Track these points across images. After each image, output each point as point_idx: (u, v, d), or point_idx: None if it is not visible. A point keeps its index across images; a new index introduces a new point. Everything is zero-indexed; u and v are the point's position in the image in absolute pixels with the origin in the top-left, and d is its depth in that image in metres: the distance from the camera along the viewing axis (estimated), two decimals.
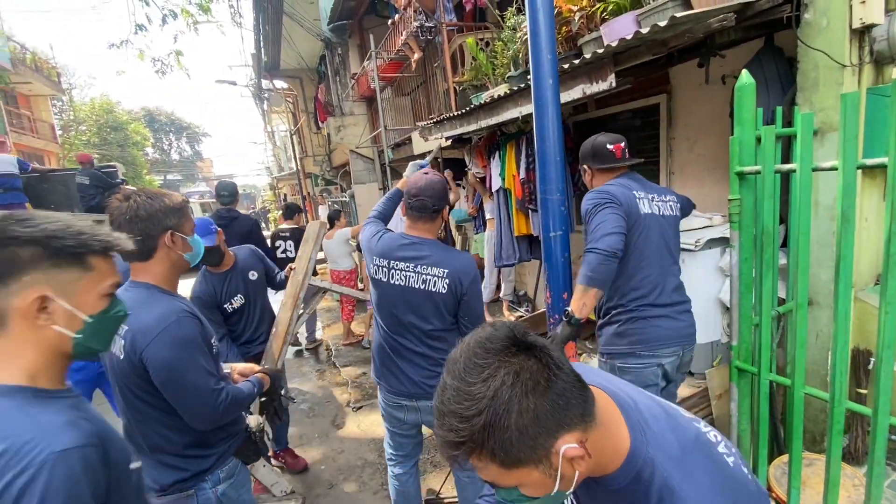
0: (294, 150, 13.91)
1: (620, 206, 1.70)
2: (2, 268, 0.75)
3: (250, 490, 1.54)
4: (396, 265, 1.73)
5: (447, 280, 1.67)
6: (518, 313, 4.97)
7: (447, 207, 1.78)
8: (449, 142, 4.76)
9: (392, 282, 1.73)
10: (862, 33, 1.79)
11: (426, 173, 1.79)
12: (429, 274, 1.67)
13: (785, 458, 1.82)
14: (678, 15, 1.72)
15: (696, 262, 2.36)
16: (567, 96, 2.48)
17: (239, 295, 2.51)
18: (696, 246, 2.33)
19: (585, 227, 1.78)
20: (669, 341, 1.81)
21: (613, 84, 2.17)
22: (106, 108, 27.43)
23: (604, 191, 1.77)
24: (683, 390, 2.33)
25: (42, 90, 20.49)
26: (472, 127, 3.63)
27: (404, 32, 5.00)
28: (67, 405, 0.81)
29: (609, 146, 1.90)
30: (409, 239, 1.75)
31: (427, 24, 4.66)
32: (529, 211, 3.53)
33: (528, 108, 2.97)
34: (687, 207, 2.07)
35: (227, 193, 4.24)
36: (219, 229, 2.37)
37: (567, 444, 0.62)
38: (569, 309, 1.71)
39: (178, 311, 1.29)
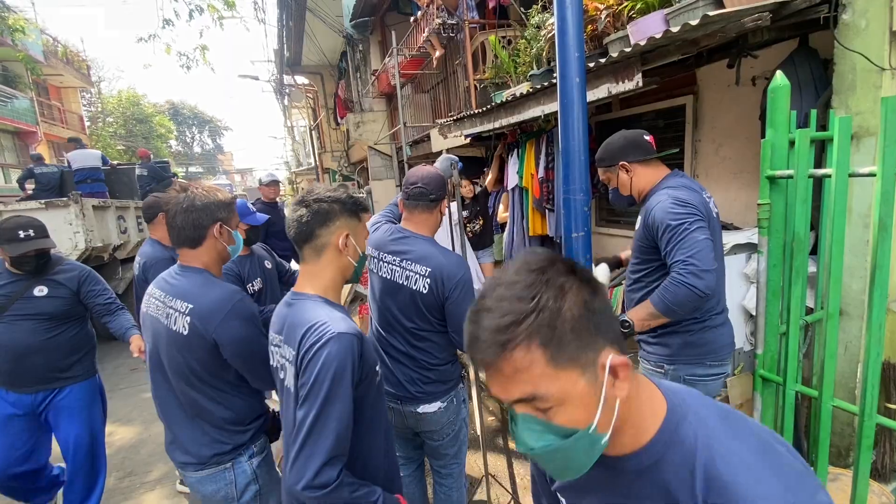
0: (313, 146, 14.05)
1: (706, 221, 1.55)
2: (328, 216, 1.16)
3: (275, 466, 1.65)
4: (385, 258, 1.71)
5: (428, 280, 1.61)
6: None
7: (444, 199, 1.75)
8: (468, 140, 4.75)
9: (380, 274, 1.71)
10: None
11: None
12: (411, 271, 1.64)
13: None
14: (711, 14, 1.68)
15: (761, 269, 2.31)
16: (592, 95, 2.46)
17: (259, 279, 2.61)
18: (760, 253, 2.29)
19: (661, 237, 1.59)
20: (730, 348, 1.76)
21: (640, 84, 2.13)
22: (132, 100, 28.10)
23: (685, 201, 1.57)
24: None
25: (72, 82, 21.09)
26: (493, 125, 3.61)
27: (427, 29, 5.00)
28: (344, 312, 1.17)
29: (645, 136, 1.79)
30: (401, 232, 1.72)
31: (450, 22, 4.65)
32: (546, 210, 3.50)
33: (550, 107, 2.95)
34: None
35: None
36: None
37: (614, 356, 0.58)
38: (630, 321, 1.63)
39: (236, 291, 1.42)
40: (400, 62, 5.88)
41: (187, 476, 1.48)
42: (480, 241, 4.20)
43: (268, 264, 2.72)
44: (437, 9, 4.75)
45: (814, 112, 1.66)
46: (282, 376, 1.16)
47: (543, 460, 0.62)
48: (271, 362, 1.25)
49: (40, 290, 2.19)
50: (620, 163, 1.81)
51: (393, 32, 5.68)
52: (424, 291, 1.62)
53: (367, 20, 7.75)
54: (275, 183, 4.61)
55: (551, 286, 0.56)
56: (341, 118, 10.63)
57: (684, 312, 1.56)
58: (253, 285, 2.59)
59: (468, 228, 4.15)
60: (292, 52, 11.54)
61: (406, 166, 6.63)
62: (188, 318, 1.35)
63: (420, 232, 1.72)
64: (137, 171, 7.02)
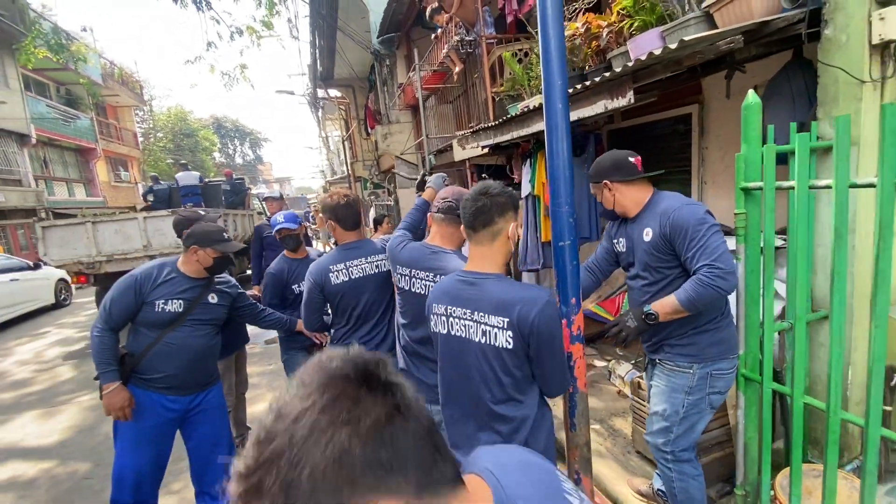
0: (345, 155, 14.58)
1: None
2: (504, 207, 1.41)
3: None
4: (418, 274, 1.87)
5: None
6: None
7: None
8: (486, 150, 4.94)
9: (413, 290, 1.87)
10: (884, 48, 1.79)
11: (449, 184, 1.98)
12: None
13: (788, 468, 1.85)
14: (686, 38, 1.81)
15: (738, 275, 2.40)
16: (591, 111, 2.59)
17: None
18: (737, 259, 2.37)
19: (681, 240, 1.71)
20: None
21: (632, 100, 2.26)
22: (180, 116, 29.92)
23: (705, 209, 1.73)
24: None
25: (127, 101, 22.73)
26: (506, 137, 3.78)
27: (446, 46, 5.23)
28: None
29: (630, 158, 1.92)
30: (431, 248, 1.88)
31: (467, 38, 4.86)
32: None
33: None
34: None
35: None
36: (303, 223, 2.98)
37: None
38: (654, 312, 1.75)
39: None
40: (423, 76, 6.14)
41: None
42: None
43: None
44: (456, 26, 4.98)
45: (793, 125, 1.75)
46: (480, 339, 1.38)
47: None
48: (441, 329, 1.48)
49: (212, 298, 2.30)
50: (604, 181, 1.96)
51: (417, 48, 5.95)
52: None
53: (393, 36, 8.09)
54: (278, 199, 4.95)
55: (302, 423, 0.43)
56: (371, 129, 11.05)
57: (703, 308, 1.71)
58: (299, 285, 2.89)
59: None
60: (325, 67, 12.09)
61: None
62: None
63: (447, 246, 1.87)
64: (223, 187, 8.85)
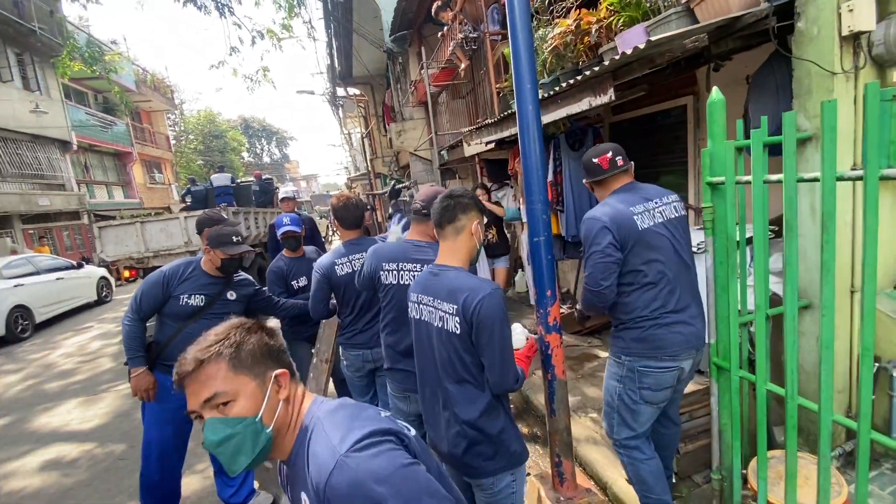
0: (365, 152, 14.84)
1: (610, 232, 1.80)
2: (466, 207, 1.55)
3: None
4: (405, 266, 2.02)
5: None
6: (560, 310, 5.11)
7: None
8: (491, 145, 5.01)
9: (402, 283, 2.01)
10: (854, 39, 1.80)
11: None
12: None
13: (771, 452, 1.90)
14: (665, 35, 1.87)
15: (698, 264, 2.42)
16: (577, 107, 2.66)
17: (303, 277, 3.15)
18: (697, 249, 2.40)
19: (584, 250, 1.91)
20: (687, 346, 1.87)
21: (613, 97, 2.32)
22: (209, 118, 30.92)
23: (596, 217, 1.86)
24: (688, 387, 2.41)
25: (159, 106, 23.69)
26: (505, 133, 3.86)
27: (452, 43, 5.31)
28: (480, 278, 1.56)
29: (594, 159, 1.97)
30: (413, 243, 2.04)
31: (471, 36, 4.93)
32: (558, 212, 3.69)
33: (550, 116, 3.16)
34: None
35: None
36: (303, 226, 3.25)
37: (278, 371, 0.89)
38: (578, 309, 1.95)
39: None
40: (432, 73, 6.24)
41: None
42: (496, 249, 4.39)
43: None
44: (460, 24, 5.05)
45: (764, 119, 1.78)
46: (438, 324, 1.52)
47: (221, 451, 0.84)
48: (415, 314, 1.63)
49: (231, 295, 2.49)
50: (585, 181, 2.09)
51: (423, 48, 6.05)
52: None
53: (405, 34, 8.20)
54: (291, 199, 5.21)
55: (241, 330, 0.90)
56: (388, 125, 11.24)
57: (595, 308, 1.95)
58: (298, 282, 3.17)
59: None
60: (342, 67, 12.34)
61: (441, 171, 7.00)
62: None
63: (423, 239, 2.05)
64: (253, 187, 9.58)
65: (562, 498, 2.10)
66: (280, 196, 5.35)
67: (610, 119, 4.12)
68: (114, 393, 4.90)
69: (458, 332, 1.46)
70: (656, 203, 1.90)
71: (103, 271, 10.77)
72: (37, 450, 3.76)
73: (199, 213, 7.07)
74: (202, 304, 2.40)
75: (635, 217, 1.84)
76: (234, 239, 2.41)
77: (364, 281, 2.18)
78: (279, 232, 3.18)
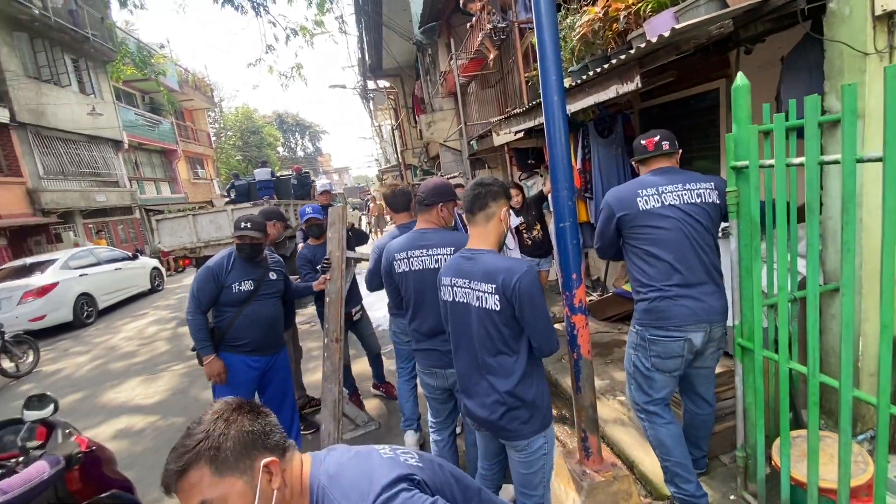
0: (395, 144, 15.06)
1: (611, 208, 2.08)
2: (496, 195, 1.66)
3: None
4: (413, 254, 2.16)
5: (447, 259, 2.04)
6: (590, 298, 5.13)
7: (441, 203, 2.15)
8: (521, 134, 5.06)
9: (413, 269, 2.16)
10: (889, 18, 1.77)
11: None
12: (438, 254, 2.10)
13: (798, 432, 1.93)
14: (679, 26, 1.90)
15: (724, 249, 2.43)
16: (604, 95, 2.69)
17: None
18: (721, 234, 2.41)
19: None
20: (695, 319, 1.95)
21: (639, 85, 2.35)
22: (246, 114, 31.99)
23: (606, 199, 2.12)
24: (717, 369, 2.43)
25: (200, 105, 24.72)
26: (534, 122, 3.91)
27: (480, 34, 5.36)
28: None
29: (642, 141, 2.12)
30: (420, 231, 2.19)
31: (500, 25, 4.97)
32: (587, 199, 3.73)
33: (578, 105, 3.20)
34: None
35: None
36: (314, 217, 3.54)
37: (267, 459, 0.82)
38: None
39: None
40: (461, 64, 6.30)
41: None
42: (540, 249, 4.20)
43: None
44: (489, 14, 5.09)
45: (793, 102, 1.80)
46: (476, 303, 1.64)
47: None
48: (448, 297, 1.74)
49: (272, 275, 2.78)
50: (632, 160, 2.21)
51: (452, 39, 6.11)
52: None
53: (434, 25, 8.26)
54: (328, 192, 5.50)
55: (220, 423, 0.82)
56: (418, 116, 11.38)
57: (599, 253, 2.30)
58: (321, 267, 3.42)
59: (525, 237, 4.09)
60: (373, 60, 12.53)
61: (471, 161, 7.08)
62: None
63: (429, 226, 2.19)
64: (292, 180, 10.00)
65: (587, 471, 2.20)
66: (318, 190, 5.63)
67: (639, 105, 4.08)
68: (171, 372, 5.33)
69: (497, 308, 1.58)
70: (675, 187, 1.98)
71: (155, 262, 11.52)
72: (108, 420, 4.18)
73: (246, 205, 7.64)
74: (252, 288, 2.66)
75: (639, 199, 2.00)
76: (243, 225, 2.63)
77: (385, 276, 2.33)
78: (303, 220, 3.44)
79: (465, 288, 1.68)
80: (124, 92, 18.47)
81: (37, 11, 12.23)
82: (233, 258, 2.67)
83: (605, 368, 3.69)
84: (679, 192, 2.00)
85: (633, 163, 2.26)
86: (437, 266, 2.09)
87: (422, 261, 2.13)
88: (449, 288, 1.76)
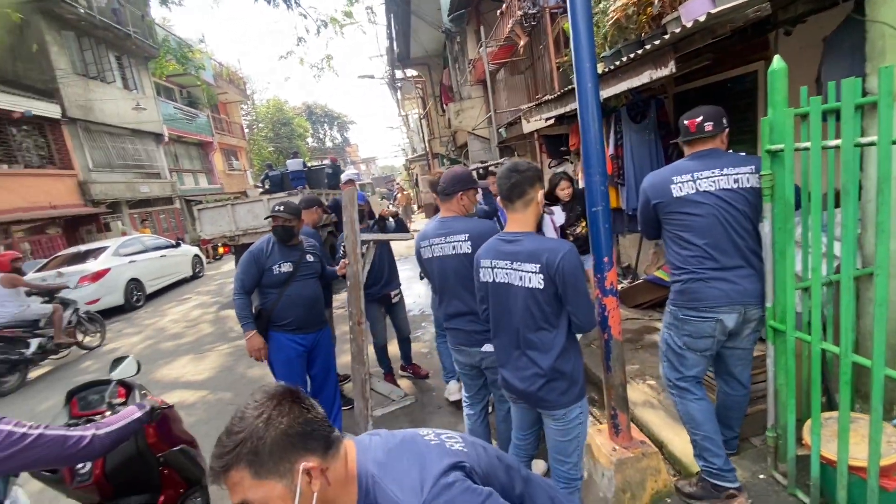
0: (423, 133, 15.13)
1: (646, 194, 2.14)
2: (532, 180, 1.72)
3: None
4: (433, 241, 2.27)
5: (469, 242, 2.14)
6: (621, 284, 5.14)
7: (461, 191, 2.25)
8: (551, 121, 5.06)
9: (434, 255, 2.27)
10: None
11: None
12: (455, 240, 2.20)
13: (829, 413, 1.95)
14: (713, 11, 1.90)
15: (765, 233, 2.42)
16: (638, 81, 2.71)
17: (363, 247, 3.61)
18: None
19: None
20: (725, 300, 1.98)
21: (674, 70, 2.36)
22: (277, 106, 32.66)
23: (643, 186, 2.17)
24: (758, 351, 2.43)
25: (234, 98, 25.40)
26: (565, 109, 3.92)
27: (510, 20, 5.36)
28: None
29: (685, 121, 2.09)
30: (440, 221, 2.29)
31: (530, 12, 4.96)
32: (618, 185, 3.73)
33: (610, 91, 3.20)
34: None
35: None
36: (367, 201, 3.72)
37: (307, 462, 0.79)
38: None
39: None
40: (491, 51, 6.31)
41: None
42: (584, 246, 4.02)
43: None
44: (519, 0, 5.08)
45: (831, 84, 1.79)
46: (518, 283, 1.72)
47: None
48: (488, 278, 1.82)
49: (310, 257, 2.94)
50: (677, 140, 2.22)
51: (481, 26, 6.12)
52: (469, 252, 2.18)
53: (463, 12, 8.25)
54: (352, 182, 5.66)
55: (259, 421, 0.79)
56: (446, 105, 11.41)
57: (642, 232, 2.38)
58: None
59: (569, 233, 3.87)
60: (401, 48, 12.59)
61: (499, 149, 7.10)
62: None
63: (450, 215, 2.30)
64: (326, 170, 10.47)
65: (616, 447, 2.28)
66: (343, 179, 5.82)
67: (674, 89, 4.02)
68: (217, 352, 5.67)
69: (541, 287, 1.67)
70: (711, 172, 1.97)
71: (196, 249, 12.09)
72: (163, 394, 4.50)
73: (281, 195, 7.97)
74: (291, 270, 2.84)
75: (672, 186, 2.03)
76: (276, 208, 2.85)
77: (418, 261, 2.46)
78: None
79: (508, 269, 1.77)
80: (163, 87, 19.21)
81: (82, 11, 12.84)
82: (272, 242, 2.86)
83: (636, 353, 3.73)
84: (715, 178, 1.99)
85: (679, 143, 2.22)
86: (454, 252, 2.21)
87: (442, 248, 2.25)
88: (489, 270, 1.84)
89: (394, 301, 3.82)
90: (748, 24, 2.16)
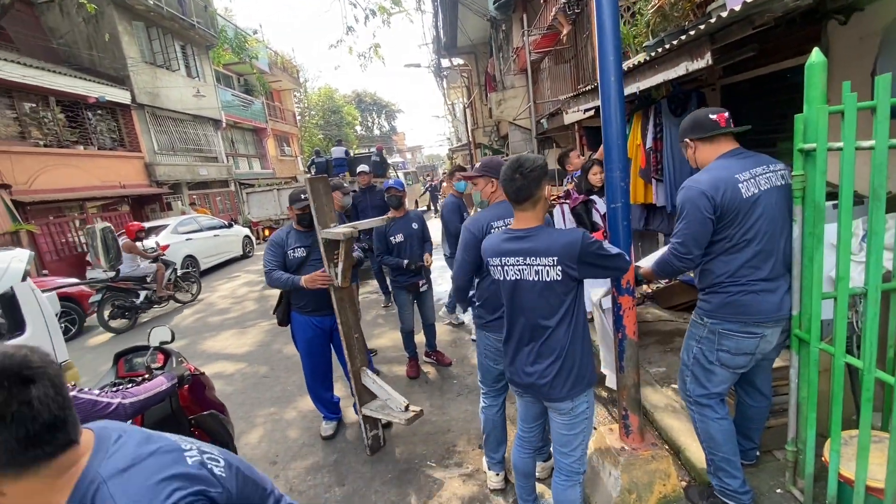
0: (466, 122, 15.08)
1: (709, 200, 1.78)
2: (539, 179, 1.71)
3: None
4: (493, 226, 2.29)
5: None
6: (657, 285, 4.96)
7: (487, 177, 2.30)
8: (591, 112, 4.93)
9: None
10: None
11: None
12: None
13: (852, 431, 1.84)
14: (749, 0, 1.80)
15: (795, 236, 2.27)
16: (673, 73, 2.59)
17: (401, 234, 3.78)
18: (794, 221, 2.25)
19: (677, 216, 1.90)
20: (776, 314, 1.84)
21: (710, 62, 2.24)
22: (328, 94, 33.53)
23: (697, 182, 1.83)
24: (776, 362, 2.33)
25: (287, 85, 26.30)
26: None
27: (554, 8, 5.23)
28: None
29: (711, 115, 1.89)
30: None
31: None
32: (654, 180, 3.60)
33: (647, 82, 3.09)
34: None
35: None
36: (404, 188, 3.87)
37: None
38: (638, 267, 2.17)
39: None
40: (534, 40, 6.19)
41: None
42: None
43: (414, 226, 3.87)
44: None
45: (846, 84, 1.67)
46: (533, 277, 1.72)
47: None
48: (499, 275, 1.83)
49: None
50: (685, 139, 2.00)
51: (526, 14, 6.01)
52: None
53: (509, 0, 8.11)
54: (365, 173, 5.85)
55: None
56: (489, 94, 11.31)
57: (665, 275, 2.12)
58: (395, 238, 3.78)
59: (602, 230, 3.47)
60: (448, 37, 12.55)
61: (538, 140, 6.97)
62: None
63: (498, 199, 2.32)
64: (373, 158, 10.59)
65: (625, 448, 2.26)
66: (357, 170, 6.02)
67: (721, 81, 3.80)
68: (258, 328, 6.03)
69: (558, 279, 1.68)
70: (764, 169, 1.83)
71: (247, 231, 12.77)
72: (206, 364, 4.88)
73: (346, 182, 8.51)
74: (304, 255, 2.95)
75: (740, 185, 1.79)
76: (301, 196, 2.88)
77: None
78: (386, 188, 3.88)
79: (520, 265, 1.75)
80: (222, 74, 20.20)
81: (151, 2, 13.71)
82: (289, 228, 3.02)
83: (664, 356, 3.62)
84: (768, 175, 1.83)
85: (691, 142, 1.96)
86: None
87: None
88: (499, 268, 1.83)
89: (421, 290, 3.92)
90: (793, 14, 2.02)
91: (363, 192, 5.83)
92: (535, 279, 1.73)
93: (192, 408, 2.10)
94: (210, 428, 2.18)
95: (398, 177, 12.51)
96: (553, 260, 1.67)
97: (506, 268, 1.81)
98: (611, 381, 2.04)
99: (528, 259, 1.74)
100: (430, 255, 3.94)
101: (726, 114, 1.91)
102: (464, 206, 4.23)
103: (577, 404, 1.80)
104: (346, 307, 2.88)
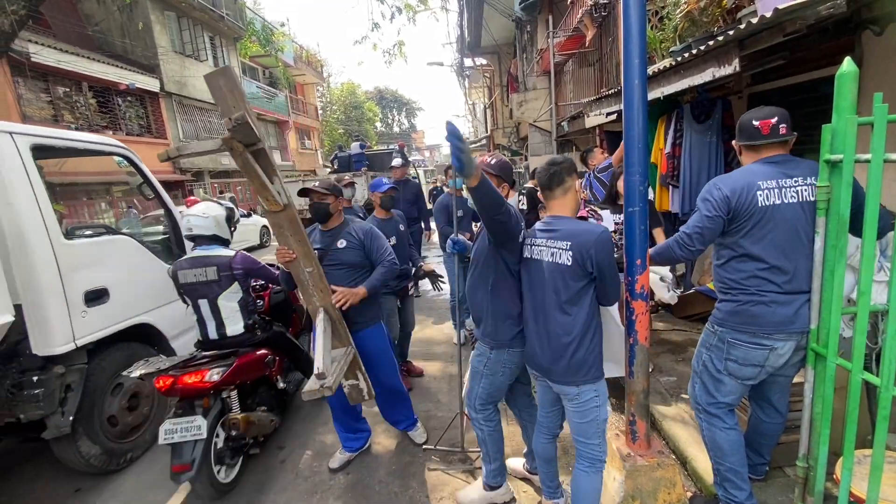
0: (486, 123, 15.06)
1: (726, 201, 1.80)
2: (570, 170, 1.89)
3: None
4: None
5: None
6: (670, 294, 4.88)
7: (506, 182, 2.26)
8: (612, 117, 4.88)
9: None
10: None
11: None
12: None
13: (865, 451, 1.80)
14: (781, 7, 1.77)
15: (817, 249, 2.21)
16: (699, 79, 2.56)
17: (393, 237, 3.44)
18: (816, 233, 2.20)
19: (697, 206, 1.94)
20: (785, 328, 1.80)
21: (737, 68, 2.21)
22: (350, 90, 33.81)
23: (720, 183, 1.86)
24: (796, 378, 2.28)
25: (311, 80, 26.60)
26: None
27: (580, 10, 5.20)
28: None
29: (755, 122, 1.83)
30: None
31: (601, 2, 4.78)
32: (671, 187, 3.56)
33: (671, 88, 3.05)
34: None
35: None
36: (393, 187, 3.58)
37: None
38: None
39: None
40: (558, 42, 6.15)
41: None
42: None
43: (401, 227, 3.68)
44: None
45: (878, 95, 1.62)
46: (549, 259, 1.85)
47: None
48: (528, 254, 1.94)
49: (341, 243, 2.58)
50: (734, 141, 1.98)
51: (551, 16, 5.98)
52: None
53: (535, 1, 8.08)
54: (400, 167, 5.77)
55: None
56: (511, 95, 11.28)
57: (663, 262, 2.20)
58: (389, 240, 3.50)
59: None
60: (472, 37, 12.55)
61: (558, 143, 6.94)
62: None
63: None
64: (394, 155, 10.76)
65: (631, 453, 2.24)
66: (391, 164, 6.02)
67: (750, 89, 3.73)
68: None
69: (568, 264, 1.80)
70: (797, 181, 1.78)
71: (265, 221, 12.98)
72: None
73: (347, 175, 8.60)
74: (319, 256, 2.61)
75: (759, 193, 1.78)
76: (313, 184, 2.68)
77: None
78: (381, 190, 3.55)
79: (542, 246, 1.90)
80: (248, 66, 20.52)
81: None
82: (316, 226, 2.77)
83: (675, 366, 3.58)
84: (799, 188, 1.77)
85: (736, 145, 1.95)
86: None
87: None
88: (528, 247, 1.97)
89: (410, 293, 3.85)
90: (826, 23, 1.98)
91: (397, 186, 5.81)
92: (550, 260, 1.86)
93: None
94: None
95: (418, 174, 12.48)
96: (567, 244, 1.81)
97: (532, 247, 1.95)
98: (608, 371, 1.98)
99: (548, 242, 1.88)
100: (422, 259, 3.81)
101: (773, 120, 1.80)
102: (451, 205, 4.07)
103: (582, 391, 1.87)
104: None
